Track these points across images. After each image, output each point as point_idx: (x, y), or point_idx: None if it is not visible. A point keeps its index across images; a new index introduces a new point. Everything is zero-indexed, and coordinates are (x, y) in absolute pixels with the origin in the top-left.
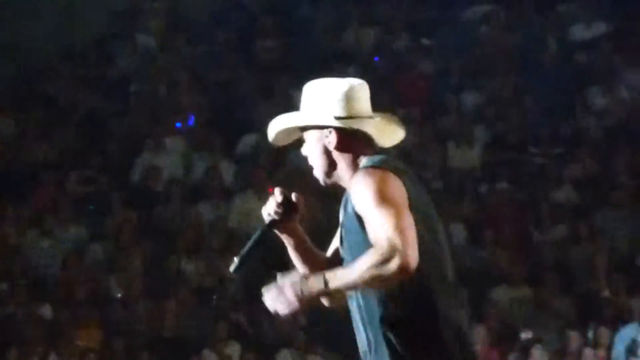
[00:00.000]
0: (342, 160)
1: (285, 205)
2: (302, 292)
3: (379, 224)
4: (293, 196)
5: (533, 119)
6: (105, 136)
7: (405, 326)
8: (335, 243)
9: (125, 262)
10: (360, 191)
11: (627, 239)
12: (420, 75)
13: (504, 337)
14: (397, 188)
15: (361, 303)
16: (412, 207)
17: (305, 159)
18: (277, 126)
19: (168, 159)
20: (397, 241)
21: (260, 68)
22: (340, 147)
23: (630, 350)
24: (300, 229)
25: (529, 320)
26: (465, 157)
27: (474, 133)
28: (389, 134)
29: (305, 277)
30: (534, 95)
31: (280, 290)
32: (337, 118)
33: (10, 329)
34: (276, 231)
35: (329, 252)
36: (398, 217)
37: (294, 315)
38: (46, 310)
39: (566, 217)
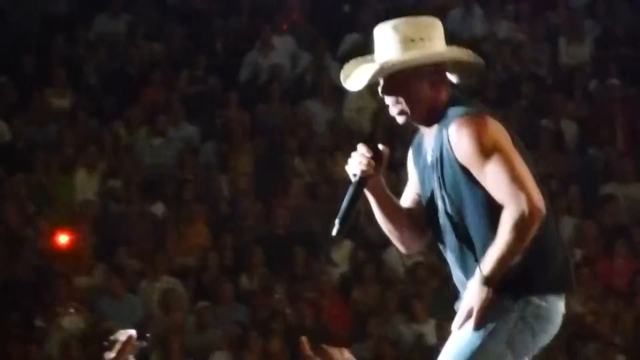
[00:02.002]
0: (436, 99)
1: (375, 158)
2: (480, 302)
3: (498, 179)
4: (380, 147)
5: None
6: (213, 35)
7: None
8: (410, 193)
9: (236, 160)
10: (466, 142)
11: None
12: None
13: (616, 234)
14: (502, 133)
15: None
16: (516, 147)
17: None
18: (370, 72)
19: (276, 57)
20: (523, 195)
21: None
22: (438, 85)
23: None
24: (384, 181)
25: None
26: (576, 52)
27: (584, 28)
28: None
29: (472, 289)
30: None
31: (470, 313)
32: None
33: (123, 227)
34: (361, 186)
35: (405, 203)
36: (513, 165)
37: None
38: (158, 208)
39: None
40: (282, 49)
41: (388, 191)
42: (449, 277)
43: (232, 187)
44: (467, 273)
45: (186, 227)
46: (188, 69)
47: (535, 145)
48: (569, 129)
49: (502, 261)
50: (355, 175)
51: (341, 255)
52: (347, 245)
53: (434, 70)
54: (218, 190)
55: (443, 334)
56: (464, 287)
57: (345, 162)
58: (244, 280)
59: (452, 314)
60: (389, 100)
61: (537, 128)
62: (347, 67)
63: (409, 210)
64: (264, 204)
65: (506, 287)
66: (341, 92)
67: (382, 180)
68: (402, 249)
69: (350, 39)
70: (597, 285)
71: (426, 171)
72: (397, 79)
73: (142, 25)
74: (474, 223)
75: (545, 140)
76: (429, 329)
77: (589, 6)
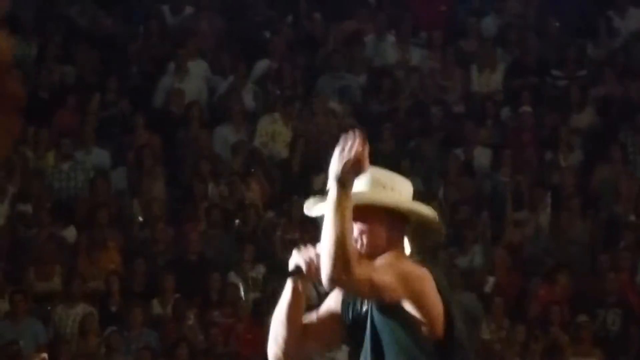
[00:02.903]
0: (384, 248)
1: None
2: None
3: (374, 267)
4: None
5: (555, 41)
6: (126, 59)
7: None
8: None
9: (147, 185)
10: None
11: None
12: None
13: (527, 263)
14: (416, 267)
15: None
16: (443, 295)
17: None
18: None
19: (190, 82)
20: (361, 273)
21: None
22: (394, 237)
23: None
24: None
25: (552, 246)
26: (488, 80)
27: (496, 56)
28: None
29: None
30: (556, 17)
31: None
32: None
33: (33, 251)
34: (291, 280)
35: (310, 318)
36: (386, 271)
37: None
38: (70, 233)
39: (589, 140)
40: (195, 73)
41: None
42: None
43: (145, 212)
44: None
45: (98, 252)
46: (100, 93)
47: (445, 171)
48: (481, 156)
49: (328, 226)
50: (295, 267)
51: (255, 280)
52: (260, 269)
53: (395, 220)
54: (130, 215)
55: None
56: None
57: (257, 187)
58: (156, 306)
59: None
60: None
61: (448, 155)
62: (312, 201)
63: (307, 326)
64: (176, 229)
65: None
66: (253, 117)
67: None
68: (278, 352)
69: (262, 65)
70: (507, 313)
71: None
72: (359, 213)
73: (53, 49)
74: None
75: (455, 167)
76: (341, 356)
77: (500, 35)
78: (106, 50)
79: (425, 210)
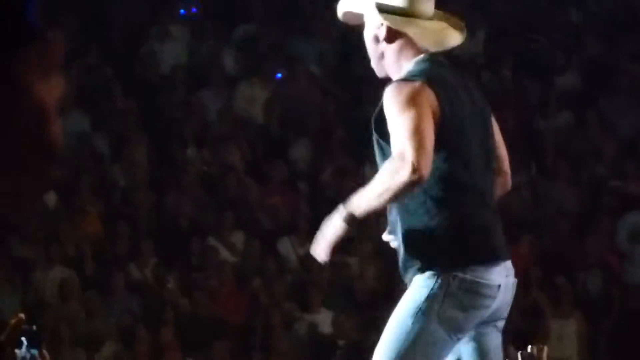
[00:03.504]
0: (390, 55)
1: None
2: (329, 234)
3: (395, 137)
4: None
5: (537, 4)
6: (107, 24)
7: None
8: None
9: (128, 151)
10: (387, 104)
11: (632, 125)
12: None
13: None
14: (424, 101)
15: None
16: (446, 120)
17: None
18: (341, 6)
19: (172, 46)
20: (408, 151)
21: None
22: (389, 40)
23: (633, 236)
24: None
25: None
26: (468, 44)
27: (477, 20)
28: (439, 38)
29: (332, 220)
30: None
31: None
32: (384, 11)
33: (14, 216)
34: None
35: None
36: (414, 127)
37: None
38: (50, 198)
39: (571, 104)
40: (177, 38)
41: None
42: (343, 267)
43: (126, 177)
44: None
45: (78, 217)
46: (80, 58)
47: None
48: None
49: (366, 204)
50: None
51: (235, 245)
52: (240, 235)
53: (391, 27)
54: (112, 180)
55: (337, 325)
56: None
57: (238, 152)
58: (135, 270)
59: (346, 305)
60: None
61: None
62: None
63: None
64: (158, 194)
65: (430, 264)
66: (234, 81)
67: None
68: None
69: (243, 29)
70: None
71: None
72: (366, 22)
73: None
74: None
75: None
76: (322, 318)
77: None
78: (86, 15)
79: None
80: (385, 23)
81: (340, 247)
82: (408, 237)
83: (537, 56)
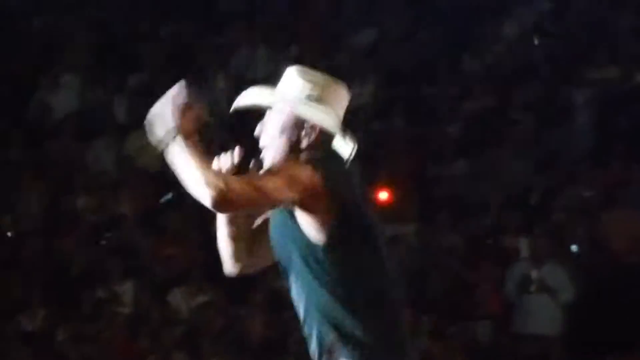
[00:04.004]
0: (300, 154)
1: None
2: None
3: (258, 178)
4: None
5: (428, 54)
6: None
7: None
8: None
9: (19, 200)
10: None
11: (521, 176)
12: (315, 12)
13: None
14: (309, 184)
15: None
16: (340, 216)
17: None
18: (261, 99)
19: (64, 96)
20: (236, 188)
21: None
22: (312, 145)
23: (522, 287)
24: None
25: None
26: (358, 93)
27: (367, 69)
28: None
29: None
30: (429, 30)
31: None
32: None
33: None
34: None
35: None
36: (266, 181)
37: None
38: None
39: (462, 154)
40: (69, 87)
41: None
42: (235, 317)
43: (17, 226)
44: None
45: None
46: None
47: None
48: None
49: (175, 162)
50: None
51: (126, 295)
52: (130, 285)
53: (317, 131)
54: (1, 230)
55: None
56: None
57: (131, 200)
58: (26, 322)
59: (237, 354)
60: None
61: None
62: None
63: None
64: (49, 243)
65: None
66: (126, 130)
67: None
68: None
69: (136, 78)
70: None
71: None
72: (279, 116)
73: None
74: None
75: None
76: None
77: (372, 48)
78: None
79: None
80: (318, 129)
81: (232, 298)
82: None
83: (428, 105)
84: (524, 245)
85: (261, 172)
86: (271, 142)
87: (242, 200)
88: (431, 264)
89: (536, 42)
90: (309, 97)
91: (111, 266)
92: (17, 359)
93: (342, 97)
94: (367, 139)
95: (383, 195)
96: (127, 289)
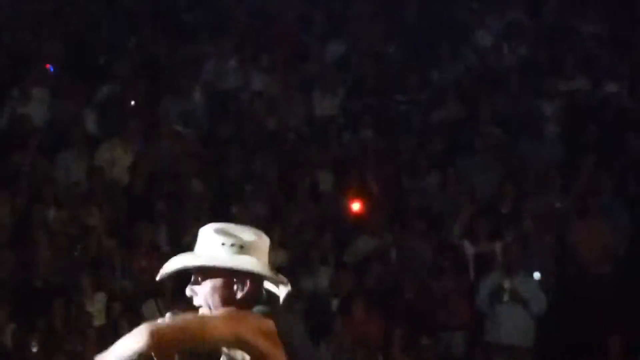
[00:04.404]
0: (234, 305)
1: None
2: None
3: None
4: None
5: (397, 66)
6: None
7: None
8: None
9: None
10: None
11: (490, 185)
12: (285, 23)
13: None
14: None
15: None
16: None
17: None
18: (186, 263)
19: (33, 107)
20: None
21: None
22: (248, 295)
23: (495, 297)
24: None
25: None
26: (329, 104)
27: (338, 81)
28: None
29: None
30: (398, 42)
31: None
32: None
33: None
34: None
35: None
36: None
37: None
38: None
39: (432, 164)
40: (38, 99)
41: None
42: None
43: None
44: None
45: None
46: None
47: (292, 195)
48: (325, 179)
49: None
50: None
51: (98, 307)
52: (102, 297)
53: (250, 281)
54: None
55: None
56: None
57: (100, 212)
58: None
59: None
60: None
61: (293, 177)
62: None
63: None
64: (17, 255)
65: None
66: (96, 142)
67: None
68: None
69: (106, 90)
70: (349, 336)
71: None
72: (208, 277)
73: None
74: None
75: (300, 190)
76: None
77: (342, 60)
78: None
79: (258, 268)
80: (250, 278)
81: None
82: None
83: (397, 116)
84: (498, 251)
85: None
86: (203, 299)
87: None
88: (404, 275)
89: (505, 52)
90: (231, 249)
91: (81, 279)
92: None
93: (262, 242)
94: (338, 150)
95: (355, 207)
96: (98, 301)
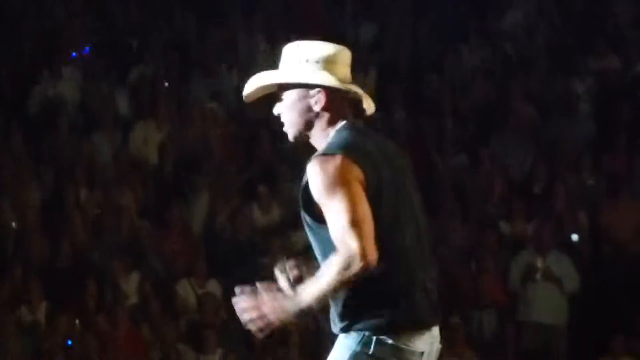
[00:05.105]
0: (321, 122)
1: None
2: (280, 314)
3: (332, 223)
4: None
5: (429, 47)
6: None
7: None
8: None
9: (21, 192)
10: (314, 185)
11: (523, 165)
12: (317, 4)
13: None
14: (351, 176)
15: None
16: (372, 189)
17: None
18: (261, 81)
19: (65, 88)
20: (352, 242)
21: None
22: (325, 107)
23: (527, 276)
24: None
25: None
26: (361, 86)
27: (369, 62)
28: (367, 103)
29: (284, 297)
30: (429, 23)
31: (258, 305)
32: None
33: None
34: None
35: None
36: (350, 211)
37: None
38: None
39: (464, 144)
40: (69, 79)
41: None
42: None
43: (18, 220)
44: None
45: None
46: None
47: None
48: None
49: (316, 297)
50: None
51: (130, 287)
52: (135, 277)
53: (328, 94)
54: (3, 222)
55: None
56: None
57: (131, 193)
58: (25, 313)
59: (241, 346)
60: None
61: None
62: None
63: None
64: (50, 236)
65: (354, 324)
66: (127, 123)
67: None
68: None
69: (138, 71)
70: None
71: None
72: (286, 94)
73: None
74: (318, 252)
75: None
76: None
77: (375, 41)
78: None
79: (336, 83)
80: (328, 87)
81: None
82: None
83: (429, 96)
84: (531, 234)
85: (327, 213)
86: (287, 118)
87: (368, 241)
88: (437, 254)
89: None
90: (307, 62)
91: (114, 259)
92: (17, 350)
93: (341, 55)
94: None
95: None
96: (132, 281)
